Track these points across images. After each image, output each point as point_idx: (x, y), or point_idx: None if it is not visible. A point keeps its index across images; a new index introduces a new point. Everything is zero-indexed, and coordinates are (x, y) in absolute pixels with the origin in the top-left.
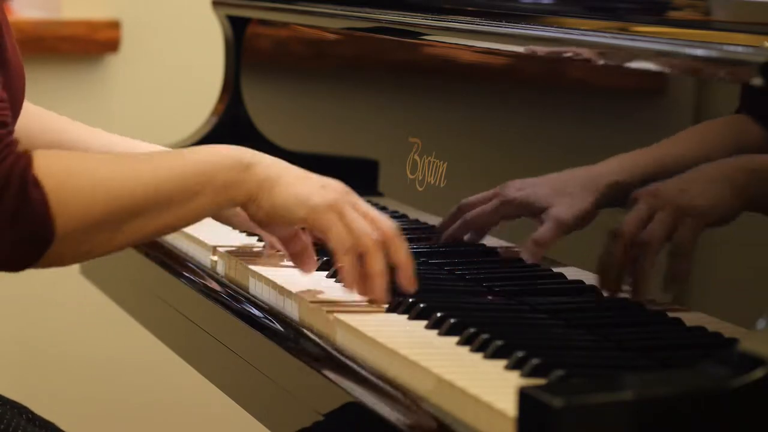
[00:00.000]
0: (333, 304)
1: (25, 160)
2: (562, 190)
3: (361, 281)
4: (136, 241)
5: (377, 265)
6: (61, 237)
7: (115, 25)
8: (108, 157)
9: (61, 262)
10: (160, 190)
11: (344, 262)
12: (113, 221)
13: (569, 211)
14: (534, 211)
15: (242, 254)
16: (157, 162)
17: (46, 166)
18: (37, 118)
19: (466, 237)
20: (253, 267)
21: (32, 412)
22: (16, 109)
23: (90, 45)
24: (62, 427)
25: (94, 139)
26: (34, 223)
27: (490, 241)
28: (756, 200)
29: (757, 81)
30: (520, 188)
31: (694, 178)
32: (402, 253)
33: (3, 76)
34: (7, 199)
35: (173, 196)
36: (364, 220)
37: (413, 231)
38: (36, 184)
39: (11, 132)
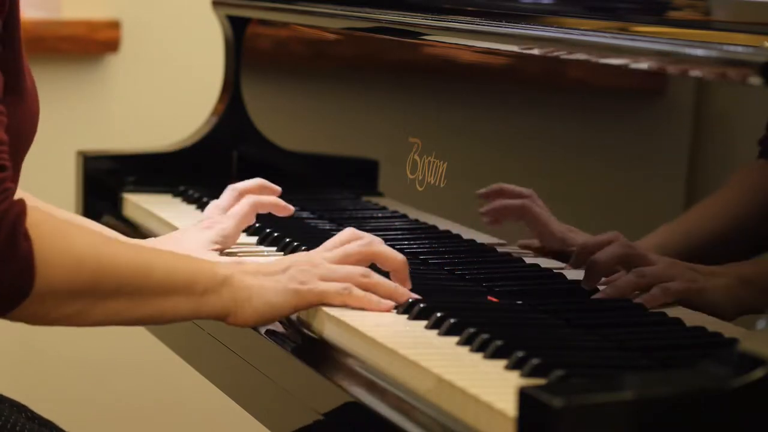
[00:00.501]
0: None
1: (19, 208)
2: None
3: (379, 298)
4: (108, 322)
5: (380, 287)
6: (37, 295)
7: (115, 25)
8: (100, 235)
9: (30, 320)
10: (144, 277)
11: (356, 302)
12: (92, 295)
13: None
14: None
15: (241, 254)
16: (146, 251)
17: (39, 223)
18: None
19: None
20: None
21: (32, 411)
22: (27, 142)
23: (90, 45)
24: (62, 426)
25: None
26: (15, 274)
27: (490, 241)
28: (752, 308)
29: (757, 81)
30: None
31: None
32: (390, 260)
33: (20, 107)
34: None
35: (155, 288)
36: (339, 264)
37: (413, 231)
38: (26, 236)
39: (9, 177)
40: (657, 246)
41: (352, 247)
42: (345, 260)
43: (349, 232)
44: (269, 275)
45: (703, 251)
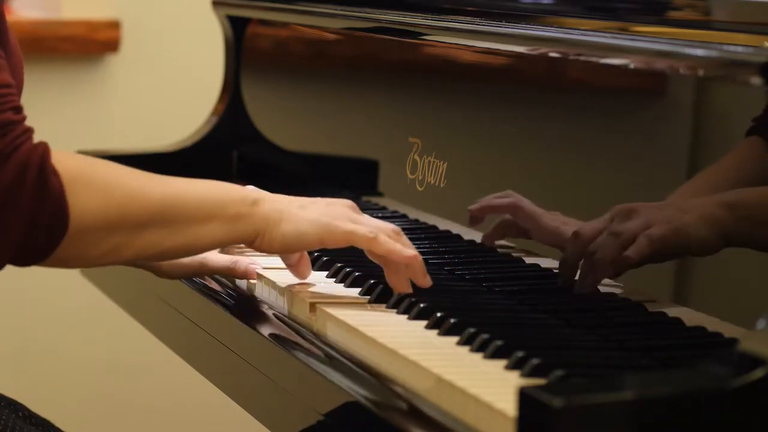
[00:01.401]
0: (333, 303)
1: (42, 148)
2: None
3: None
4: (148, 255)
5: (407, 247)
6: (74, 231)
7: (115, 25)
8: (126, 167)
9: (72, 261)
10: (176, 205)
11: (380, 247)
12: (127, 227)
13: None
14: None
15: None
16: (173, 181)
17: (63, 159)
18: None
19: None
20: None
21: (28, 410)
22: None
23: (90, 45)
24: (59, 426)
25: None
26: (50, 211)
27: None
28: (736, 237)
29: (757, 81)
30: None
31: (680, 211)
32: (410, 247)
33: (8, 63)
34: (28, 184)
35: (188, 215)
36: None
37: (413, 231)
38: (54, 172)
39: (25, 118)
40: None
41: (384, 224)
42: (367, 218)
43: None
44: (302, 207)
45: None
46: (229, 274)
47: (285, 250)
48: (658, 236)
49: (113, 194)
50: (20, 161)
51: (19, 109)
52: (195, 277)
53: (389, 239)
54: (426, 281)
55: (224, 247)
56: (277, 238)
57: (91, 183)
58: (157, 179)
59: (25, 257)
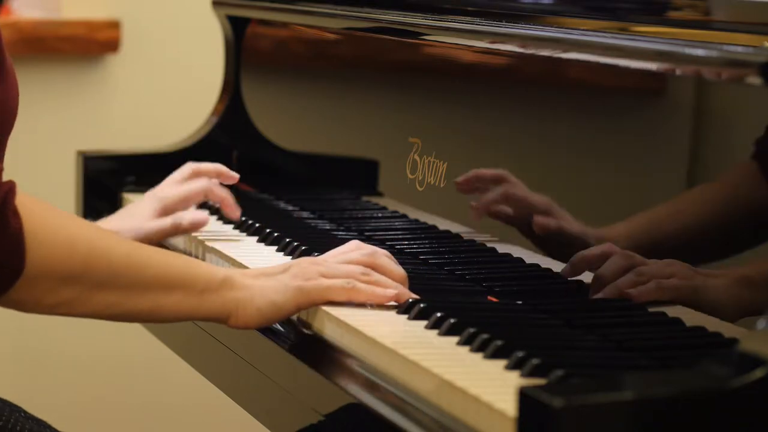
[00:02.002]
0: (333, 304)
1: (9, 186)
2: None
3: (383, 290)
4: (105, 315)
5: (381, 286)
6: (29, 276)
7: (115, 25)
8: (93, 225)
9: (24, 305)
10: (140, 270)
11: (361, 296)
12: (85, 283)
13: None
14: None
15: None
16: (142, 247)
17: (30, 203)
18: None
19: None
20: (252, 267)
21: (25, 411)
22: (9, 123)
23: (90, 45)
24: (57, 428)
25: None
26: (5, 251)
27: (490, 241)
28: (752, 307)
29: (757, 81)
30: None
31: (705, 274)
32: (390, 273)
33: (1, 86)
34: None
35: (151, 281)
36: (341, 264)
37: (413, 231)
38: (15, 213)
39: None
40: (624, 235)
41: (355, 256)
42: (328, 264)
43: (353, 243)
44: (270, 276)
45: (670, 245)
46: (177, 232)
47: (264, 323)
48: (671, 287)
49: (75, 248)
50: None
51: None
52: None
53: (365, 284)
54: (410, 296)
55: (193, 320)
56: (253, 314)
57: (55, 233)
58: (125, 241)
59: None
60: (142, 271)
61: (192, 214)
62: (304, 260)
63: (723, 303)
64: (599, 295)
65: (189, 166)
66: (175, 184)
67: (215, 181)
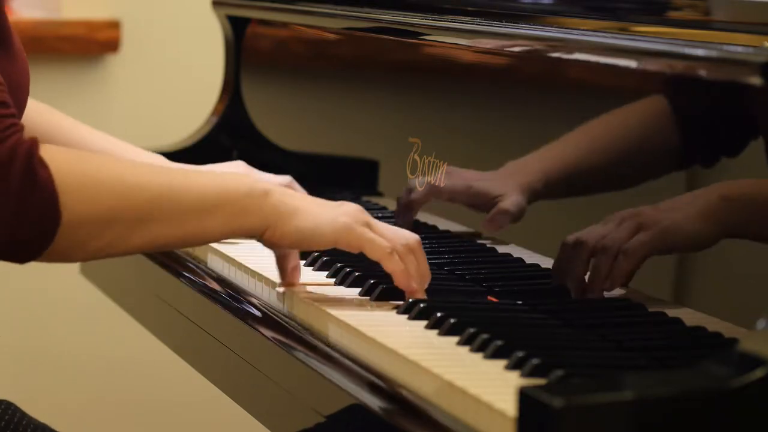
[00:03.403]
0: (333, 304)
1: (30, 141)
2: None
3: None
4: (151, 248)
5: (418, 263)
6: (68, 224)
7: (115, 25)
8: (122, 159)
9: (69, 256)
10: (176, 199)
11: (392, 264)
12: (124, 221)
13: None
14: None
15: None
16: (174, 173)
17: (54, 151)
18: (44, 116)
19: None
20: (252, 267)
21: (25, 413)
22: (22, 97)
23: (90, 45)
24: (57, 429)
25: (102, 142)
26: (39, 203)
27: (490, 241)
28: (733, 228)
29: (757, 81)
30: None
31: (671, 209)
32: (422, 262)
33: (11, 64)
34: (13, 175)
35: (188, 209)
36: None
37: (413, 231)
38: (43, 164)
39: (14, 114)
40: (541, 170)
41: (403, 233)
42: (379, 224)
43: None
44: (319, 204)
45: (590, 174)
46: None
47: (296, 245)
48: (647, 241)
49: (108, 188)
50: (4, 153)
51: (6, 104)
52: None
53: (402, 260)
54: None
55: (233, 238)
56: (291, 231)
57: (85, 176)
58: (157, 171)
59: (19, 252)
60: (180, 199)
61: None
62: (359, 209)
63: (703, 230)
64: (588, 296)
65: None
66: None
67: None
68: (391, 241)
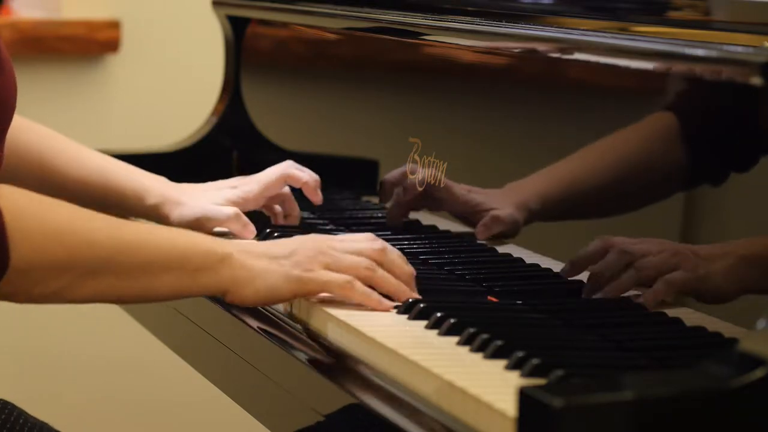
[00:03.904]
0: (333, 304)
1: None
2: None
3: (380, 297)
4: (100, 300)
5: (384, 283)
6: (15, 269)
7: (115, 25)
8: (82, 210)
9: (14, 298)
10: (130, 254)
11: (357, 296)
12: (74, 271)
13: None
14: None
15: None
16: (133, 227)
17: (11, 195)
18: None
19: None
20: None
21: (26, 413)
22: (8, 113)
23: (90, 45)
24: (58, 428)
25: (83, 166)
26: None
27: (489, 241)
28: (753, 288)
29: (757, 81)
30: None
31: (710, 257)
32: (398, 269)
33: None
34: None
35: (143, 265)
36: (347, 254)
37: (413, 231)
38: None
39: None
40: (540, 193)
41: (364, 246)
42: (339, 257)
43: (367, 234)
44: (273, 259)
45: (586, 199)
46: (226, 226)
47: (260, 304)
48: (679, 283)
49: (62, 237)
50: None
51: None
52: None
53: (373, 280)
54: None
55: (189, 297)
56: (250, 295)
57: (40, 224)
58: (115, 225)
59: None
60: (133, 255)
61: (246, 222)
62: (310, 246)
63: (725, 286)
64: (599, 295)
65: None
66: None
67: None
68: (351, 269)
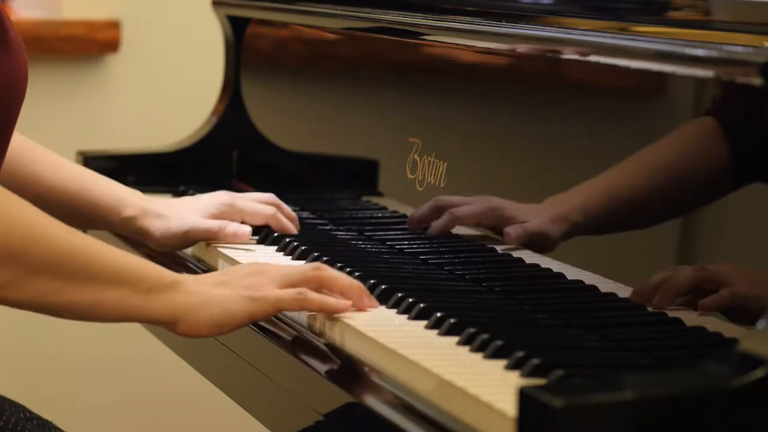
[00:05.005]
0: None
1: None
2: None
3: (336, 298)
4: (40, 303)
5: (334, 281)
6: None
7: (115, 25)
8: (44, 214)
9: None
10: (84, 259)
11: (314, 305)
12: (24, 264)
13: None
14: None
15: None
16: (90, 240)
17: None
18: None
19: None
20: None
21: (30, 411)
22: (20, 93)
23: (90, 45)
24: (61, 427)
25: (59, 174)
26: None
27: (489, 241)
28: None
29: (757, 81)
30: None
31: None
32: (339, 282)
33: (8, 58)
34: None
35: (95, 273)
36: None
37: (413, 231)
38: None
39: None
40: (581, 206)
41: (300, 267)
42: (293, 277)
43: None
44: (222, 283)
45: (627, 212)
46: (216, 239)
47: (216, 332)
48: (740, 296)
49: (16, 225)
50: None
51: None
52: (185, 248)
53: (315, 294)
54: (370, 303)
55: (136, 322)
56: (204, 320)
57: None
58: (72, 232)
59: None
60: (85, 261)
61: (237, 226)
62: (252, 269)
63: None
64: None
65: (272, 196)
66: (251, 200)
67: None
68: (298, 277)
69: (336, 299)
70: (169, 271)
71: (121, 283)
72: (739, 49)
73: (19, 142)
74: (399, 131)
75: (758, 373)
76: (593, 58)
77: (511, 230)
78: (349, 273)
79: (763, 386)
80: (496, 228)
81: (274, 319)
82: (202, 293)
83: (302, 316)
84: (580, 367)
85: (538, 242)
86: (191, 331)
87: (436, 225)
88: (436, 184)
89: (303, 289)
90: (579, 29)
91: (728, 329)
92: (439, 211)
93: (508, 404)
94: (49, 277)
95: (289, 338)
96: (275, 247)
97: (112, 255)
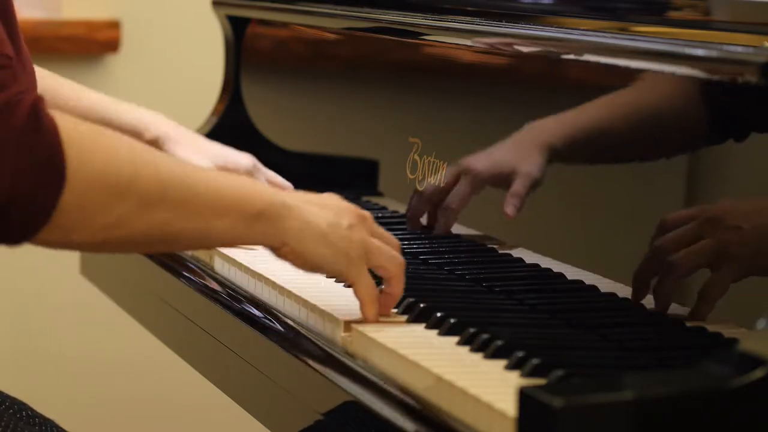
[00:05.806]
0: (332, 305)
1: (36, 97)
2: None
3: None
4: (155, 237)
5: (394, 290)
6: (74, 190)
7: (115, 25)
8: (138, 141)
9: (73, 231)
10: (191, 189)
11: (368, 314)
12: (135, 197)
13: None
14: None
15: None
16: (191, 166)
17: (63, 114)
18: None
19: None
20: (253, 267)
21: (31, 409)
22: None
23: (90, 45)
24: (62, 426)
25: (81, 100)
26: (43, 157)
27: (489, 241)
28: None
29: (757, 81)
30: (482, 160)
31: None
32: (401, 286)
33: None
34: (14, 126)
35: (199, 201)
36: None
37: (413, 231)
38: (50, 118)
39: (15, 70)
40: (556, 132)
41: (393, 252)
42: (380, 250)
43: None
44: (332, 225)
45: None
46: None
47: (308, 268)
48: (733, 270)
49: (120, 153)
50: (7, 98)
51: (6, 56)
52: None
53: (375, 309)
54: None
55: (244, 245)
56: (301, 256)
57: (95, 138)
58: (174, 159)
59: (21, 217)
60: (194, 189)
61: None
62: (358, 239)
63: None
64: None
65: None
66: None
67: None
68: (386, 261)
69: (375, 314)
70: (277, 193)
71: (230, 210)
72: (739, 49)
73: (43, 73)
74: (399, 131)
75: (758, 373)
76: (593, 58)
77: (507, 209)
78: None
79: (763, 386)
80: (496, 181)
81: (273, 318)
82: (307, 222)
83: (302, 314)
84: (580, 367)
85: (534, 187)
86: (289, 258)
87: (438, 228)
88: (436, 184)
89: (376, 294)
90: (579, 29)
91: (728, 329)
92: (427, 202)
93: (508, 404)
94: (160, 208)
95: (288, 338)
96: None
97: (220, 181)
